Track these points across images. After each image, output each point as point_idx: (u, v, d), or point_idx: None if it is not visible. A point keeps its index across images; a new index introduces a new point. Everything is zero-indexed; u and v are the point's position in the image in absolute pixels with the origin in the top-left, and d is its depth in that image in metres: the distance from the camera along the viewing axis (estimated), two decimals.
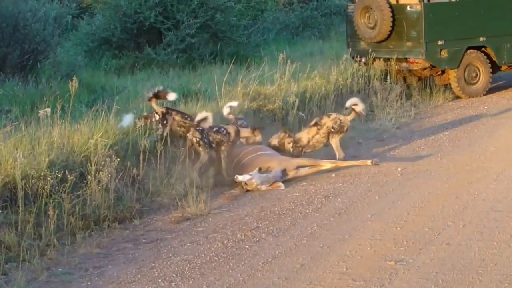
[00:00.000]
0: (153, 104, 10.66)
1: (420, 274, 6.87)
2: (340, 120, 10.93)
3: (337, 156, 10.82)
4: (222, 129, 10.60)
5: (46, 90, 12.82)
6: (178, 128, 10.63)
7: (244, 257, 7.52)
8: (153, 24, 18.09)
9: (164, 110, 10.66)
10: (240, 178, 9.86)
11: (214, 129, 10.52)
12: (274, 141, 10.92)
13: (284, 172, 10.20)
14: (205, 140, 10.33)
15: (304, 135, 10.97)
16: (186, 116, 10.71)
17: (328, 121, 10.93)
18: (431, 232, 7.95)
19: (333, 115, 11.06)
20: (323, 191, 9.71)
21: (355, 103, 11.06)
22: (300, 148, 10.89)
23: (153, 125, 10.54)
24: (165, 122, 10.54)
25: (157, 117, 10.58)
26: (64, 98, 10.70)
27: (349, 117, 11.09)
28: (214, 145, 10.44)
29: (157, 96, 10.71)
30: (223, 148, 10.49)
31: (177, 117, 10.66)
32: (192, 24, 17.99)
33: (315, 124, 11.01)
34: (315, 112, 13.06)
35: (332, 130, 10.89)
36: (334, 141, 10.90)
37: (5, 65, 14.61)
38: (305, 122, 12.46)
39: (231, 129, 10.66)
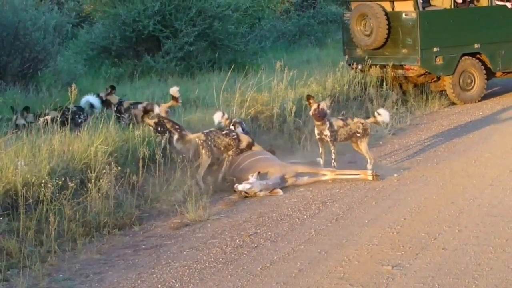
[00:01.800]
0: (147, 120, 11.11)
1: (416, 279, 6.94)
2: (362, 123, 10.92)
3: (369, 161, 10.83)
4: (233, 133, 10.69)
5: (46, 98, 12.89)
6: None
7: (242, 263, 7.58)
8: (152, 32, 18.15)
9: (156, 120, 10.88)
10: (240, 187, 9.92)
11: (224, 132, 10.62)
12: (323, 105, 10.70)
13: (283, 178, 10.27)
14: (209, 143, 10.42)
15: (334, 122, 10.84)
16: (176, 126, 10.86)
17: (352, 124, 10.88)
18: (427, 237, 8.02)
19: (355, 119, 11.03)
20: (321, 197, 9.79)
21: (379, 113, 11.05)
22: (335, 134, 10.70)
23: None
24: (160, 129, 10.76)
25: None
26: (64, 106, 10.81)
27: (369, 120, 11.11)
28: (222, 148, 10.54)
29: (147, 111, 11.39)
30: (230, 152, 10.58)
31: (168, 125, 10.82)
32: (190, 32, 18.06)
33: (342, 119, 10.98)
34: (312, 119, 13.10)
35: (358, 135, 10.89)
36: (363, 146, 10.89)
37: (5, 74, 14.69)
38: (302, 128, 12.58)
39: (244, 138, 10.74)
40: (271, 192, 10.00)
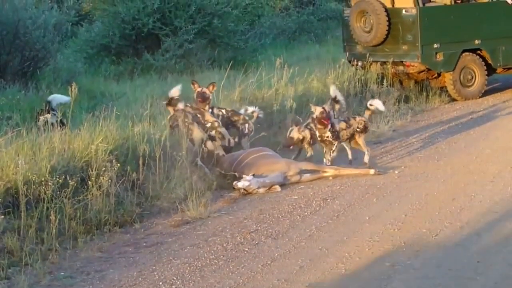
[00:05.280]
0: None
1: (417, 275, 6.93)
2: (364, 121, 11.00)
3: (366, 152, 10.87)
4: None
5: (46, 97, 12.88)
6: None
7: (243, 260, 7.59)
8: (152, 30, 18.18)
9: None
10: (239, 184, 9.95)
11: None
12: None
13: (285, 176, 10.26)
14: None
15: (336, 123, 10.87)
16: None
17: (354, 123, 10.94)
18: (428, 234, 8.02)
19: (358, 118, 11.10)
20: (321, 194, 9.78)
21: (371, 104, 11.11)
22: (337, 133, 10.73)
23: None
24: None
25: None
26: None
27: (366, 115, 11.14)
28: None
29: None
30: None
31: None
32: (190, 30, 18.10)
33: (345, 120, 11.01)
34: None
35: (358, 130, 10.93)
36: (361, 141, 10.95)
37: (5, 72, 14.71)
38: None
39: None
40: (269, 189, 10.01)
